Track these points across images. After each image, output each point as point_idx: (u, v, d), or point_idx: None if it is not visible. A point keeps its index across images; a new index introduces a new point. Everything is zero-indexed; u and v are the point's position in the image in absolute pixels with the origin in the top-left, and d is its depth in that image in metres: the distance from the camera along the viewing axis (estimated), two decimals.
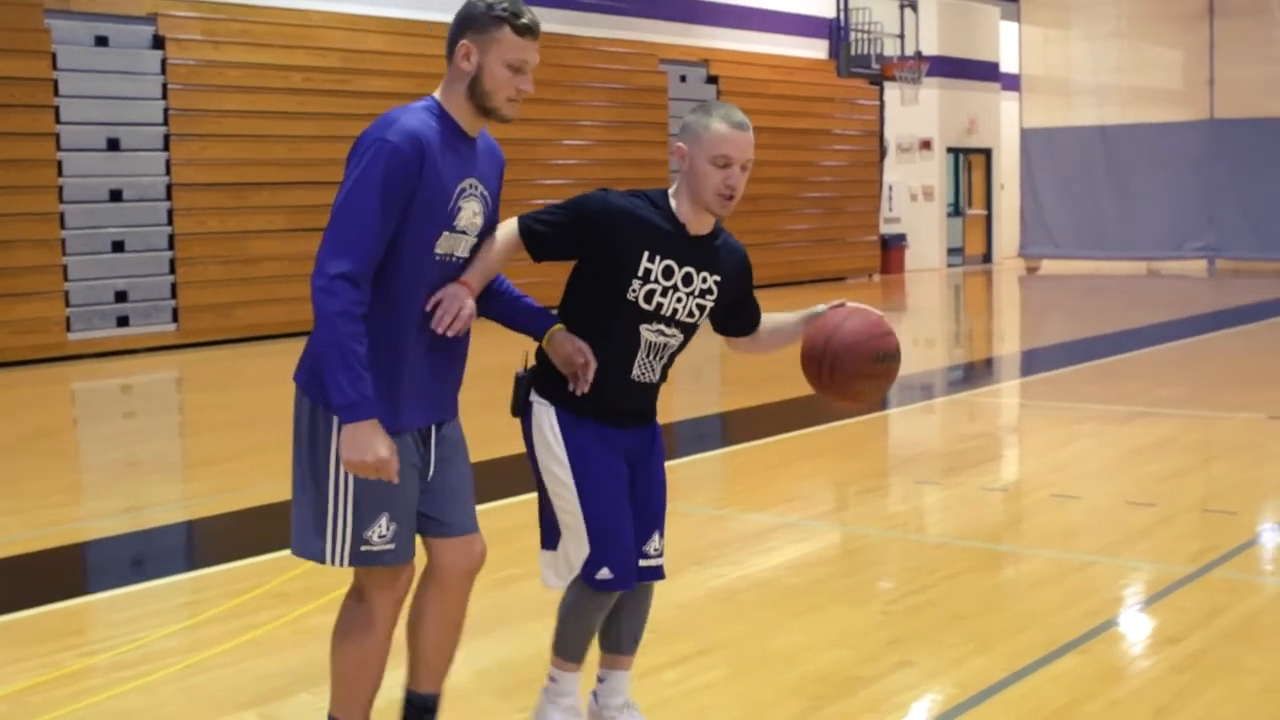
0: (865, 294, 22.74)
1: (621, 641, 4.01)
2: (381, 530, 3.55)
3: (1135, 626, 5.31)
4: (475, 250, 3.72)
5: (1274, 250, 23.82)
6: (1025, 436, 10.14)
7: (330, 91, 16.62)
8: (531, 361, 3.93)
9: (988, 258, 29.47)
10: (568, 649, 3.91)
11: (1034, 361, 14.26)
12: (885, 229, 26.78)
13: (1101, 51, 26.47)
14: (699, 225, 3.86)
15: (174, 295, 15.48)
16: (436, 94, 3.65)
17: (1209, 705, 4.39)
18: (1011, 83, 28.54)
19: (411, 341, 3.59)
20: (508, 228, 3.81)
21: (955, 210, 28.87)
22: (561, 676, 3.93)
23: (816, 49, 25.01)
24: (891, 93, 26.45)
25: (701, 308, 3.90)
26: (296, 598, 5.59)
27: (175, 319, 15.50)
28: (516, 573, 5.77)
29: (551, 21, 17.65)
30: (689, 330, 3.94)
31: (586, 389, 3.78)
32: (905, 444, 9.84)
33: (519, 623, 5.27)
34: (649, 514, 3.93)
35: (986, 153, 29.26)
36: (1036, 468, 8.84)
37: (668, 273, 3.80)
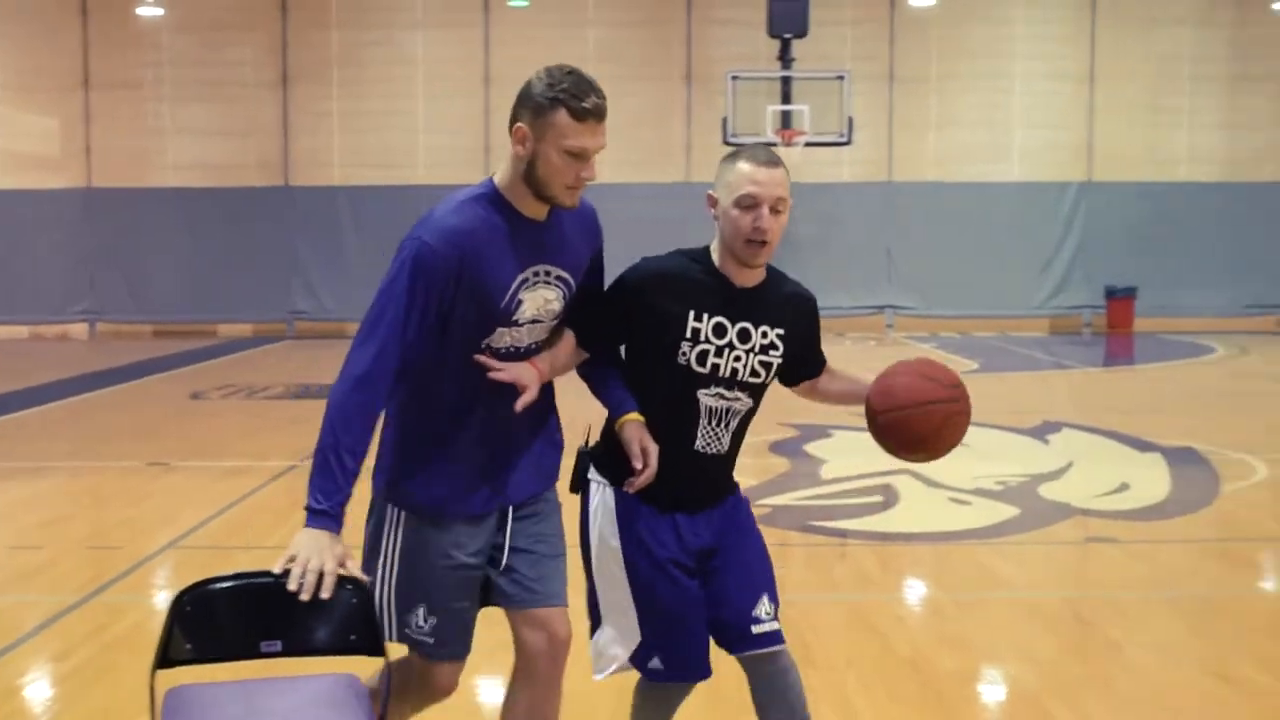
0: None
1: None
2: (419, 620, 3.47)
3: (28, 651, 5.84)
4: (556, 332, 3.54)
5: (151, 313, 25.14)
6: None
7: None
8: (595, 436, 3.72)
9: None
10: None
11: None
12: None
13: None
14: (745, 276, 3.58)
15: None
16: (496, 175, 3.42)
17: (92, 705, 5.10)
18: None
19: (472, 430, 3.45)
20: (568, 333, 3.59)
21: None
22: None
23: None
24: None
25: (767, 365, 3.61)
26: None
27: None
28: None
29: None
30: (756, 391, 3.64)
31: (633, 490, 3.54)
32: None
33: None
34: (752, 580, 3.66)
35: None
36: None
37: (719, 331, 3.53)
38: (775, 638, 3.60)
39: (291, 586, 3.06)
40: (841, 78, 22.22)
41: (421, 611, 3.46)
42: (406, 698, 3.60)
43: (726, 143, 22.27)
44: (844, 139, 21.96)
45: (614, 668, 3.64)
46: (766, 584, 3.65)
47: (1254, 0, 25.27)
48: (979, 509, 8.69)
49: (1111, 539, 7.99)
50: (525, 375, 3.40)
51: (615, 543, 3.58)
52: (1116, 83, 25.16)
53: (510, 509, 3.56)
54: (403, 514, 3.49)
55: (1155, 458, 10.71)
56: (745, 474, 10.22)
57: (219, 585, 3.12)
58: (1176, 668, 5.63)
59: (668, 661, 3.57)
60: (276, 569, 3.10)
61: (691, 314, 3.51)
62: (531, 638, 3.56)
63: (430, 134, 24.97)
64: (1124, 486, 9.52)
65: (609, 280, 3.63)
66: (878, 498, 9.04)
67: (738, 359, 3.54)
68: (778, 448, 10.98)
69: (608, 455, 3.63)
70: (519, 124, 3.29)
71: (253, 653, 3.11)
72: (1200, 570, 7.39)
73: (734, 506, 3.74)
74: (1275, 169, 25.48)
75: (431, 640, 3.49)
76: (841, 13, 24.57)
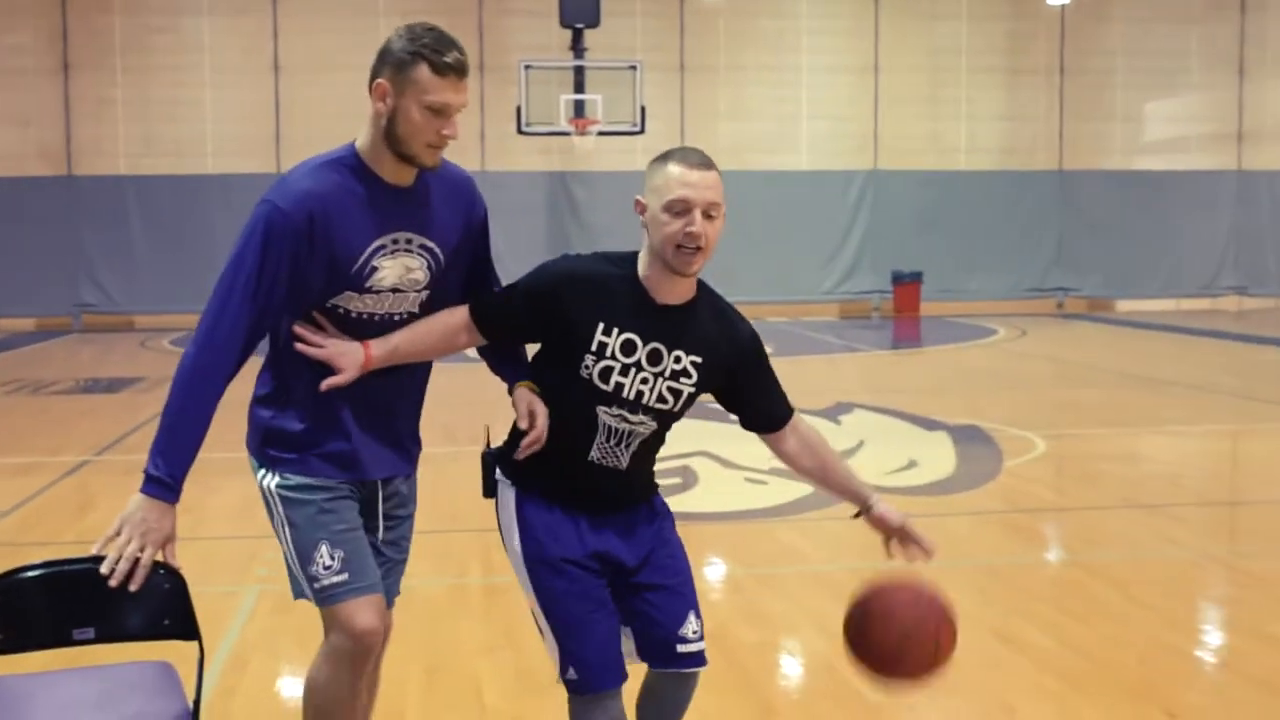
0: None
1: None
2: (326, 560, 3.31)
3: None
4: (429, 307, 3.40)
5: None
6: None
7: None
8: (494, 438, 3.51)
9: None
10: None
11: None
12: None
13: None
14: (670, 292, 3.29)
15: None
16: (358, 139, 3.30)
17: None
18: None
19: (329, 396, 3.31)
20: (461, 308, 3.40)
21: None
22: None
23: None
24: None
25: (676, 392, 3.35)
26: None
27: None
28: None
29: None
30: (664, 417, 3.38)
31: (521, 456, 3.32)
32: None
33: None
34: (675, 596, 3.46)
35: None
36: None
37: (628, 348, 3.26)
38: (699, 659, 3.49)
39: (104, 570, 3.03)
40: (634, 68, 22.45)
41: (325, 549, 3.31)
42: (339, 665, 3.39)
43: (521, 132, 22.34)
44: (637, 128, 22.19)
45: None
46: (692, 602, 3.50)
47: None
48: (775, 488, 8.94)
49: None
50: (344, 359, 3.29)
51: (517, 545, 3.41)
52: (899, 75, 25.93)
53: (379, 489, 3.50)
54: (275, 474, 3.39)
55: (941, 436, 11.14)
56: None
57: (29, 574, 3.10)
58: (962, 632, 5.89)
59: (579, 669, 3.34)
60: (96, 547, 3.08)
61: (600, 326, 3.26)
62: None
63: (218, 123, 24.43)
64: (912, 464, 9.90)
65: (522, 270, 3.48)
66: (677, 479, 9.22)
67: (644, 381, 3.30)
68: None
69: (512, 454, 3.42)
70: (379, 80, 3.21)
71: (65, 640, 3.10)
72: (985, 541, 7.74)
73: (652, 521, 3.55)
74: (1049, 157, 26.60)
75: (345, 575, 3.32)
76: (632, 4, 24.83)
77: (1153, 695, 5.08)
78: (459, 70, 3.20)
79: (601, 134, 22.25)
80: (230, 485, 9.09)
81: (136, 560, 3.06)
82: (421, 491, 3.71)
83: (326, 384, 3.28)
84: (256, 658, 5.54)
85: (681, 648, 3.44)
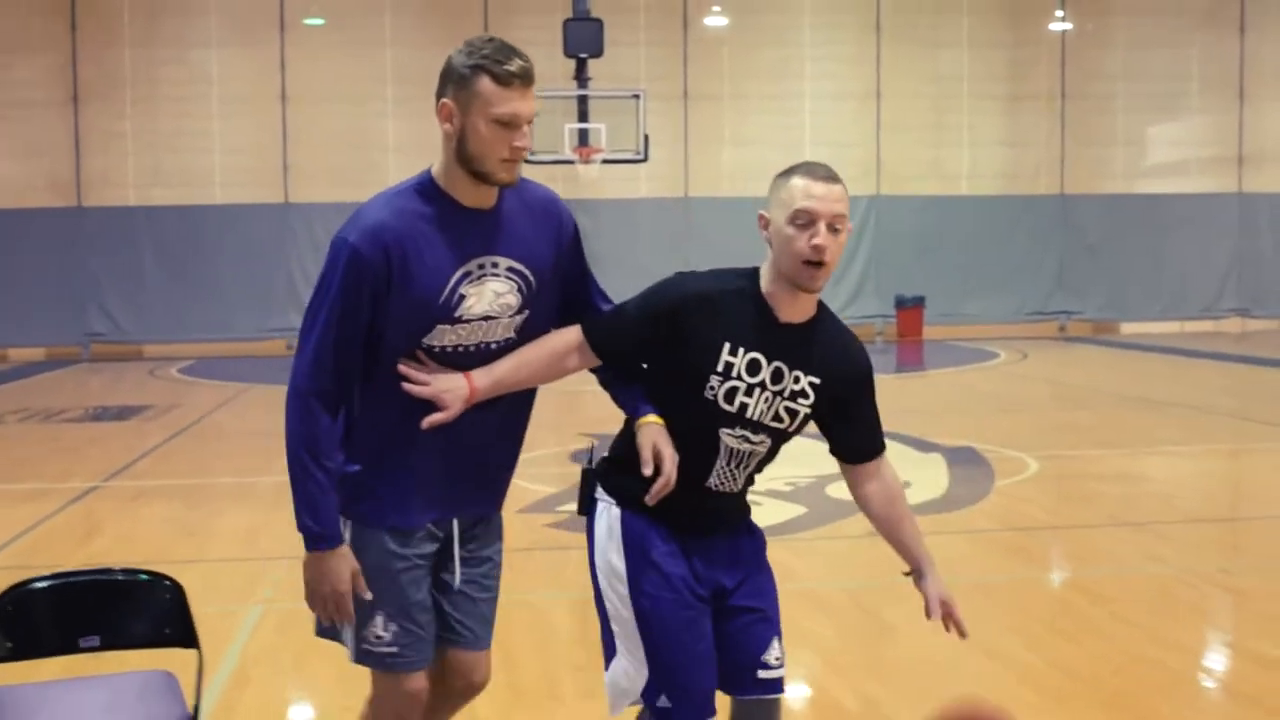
0: None
1: None
2: (379, 630, 3.23)
3: None
4: (527, 330, 3.27)
5: None
6: None
7: None
8: (598, 453, 3.46)
9: None
10: None
11: None
12: None
13: None
14: (793, 310, 3.25)
15: None
16: (434, 165, 3.18)
17: None
18: None
19: (416, 436, 3.17)
20: (570, 329, 3.32)
21: None
22: None
23: None
24: None
25: (793, 412, 3.28)
26: None
27: None
28: None
29: None
30: (779, 437, 3.32)
31: (653, 501, 3.23)
32: None
33: None
34: (765, 622, 3.40)
35: None
36: None
37: (753, 368, 3.20)
38: (778, 685, 3.43)
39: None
40: (637, 97, 22.62)
41: (380, 620, 3.23)
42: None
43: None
44: (640, 156, 22.36)
45: (627, 703, 3.36)
46: (779, 627, 3.45)
47: (1028, 22, 26.53)
48: (770, 509, 9.07)
49: None
50: (448, 395, 3.18)
51: (620, 565, 3.30)
52: (901, 101, 26.12)
53: (455, 529, 3.36)
54: (349, 523, 3.24)
55: (935, 457, 11.27)
56: (546, 482, 10.42)
57: (37, 585, 3.27)
58: (949, 648, 5.98)
59: (675, 698, 3.27)
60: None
61: (727, 346, 3.20)
62: (447, 678, 3.49)
63: (226, 154, 24.65)
64: (905, 484, 10.00)
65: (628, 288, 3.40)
66: None
67: (766, 401, 3.24)
68: (580, 457, 11.21)
69: (616, 473, 3.37)
70: (444, 100, 3.10)
71: (72, 648, 3.26)
72: (975, 558, 7.87)
73: (751, 544, 3.48)
74: (1050, 182, 26.76)
75: (395, 649, 3.26)
76: (636, 34, 25.06)
77: (1132, 710, 5.20)
78: (524, 78, 3.10)
79: (606, 162, 22.42)
80: (237, 509, 9.27)
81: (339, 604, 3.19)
82: None
83: (428, 421, 3.16)
84: (258, 674, 5.70)
85: (763, 673, 3.39)
